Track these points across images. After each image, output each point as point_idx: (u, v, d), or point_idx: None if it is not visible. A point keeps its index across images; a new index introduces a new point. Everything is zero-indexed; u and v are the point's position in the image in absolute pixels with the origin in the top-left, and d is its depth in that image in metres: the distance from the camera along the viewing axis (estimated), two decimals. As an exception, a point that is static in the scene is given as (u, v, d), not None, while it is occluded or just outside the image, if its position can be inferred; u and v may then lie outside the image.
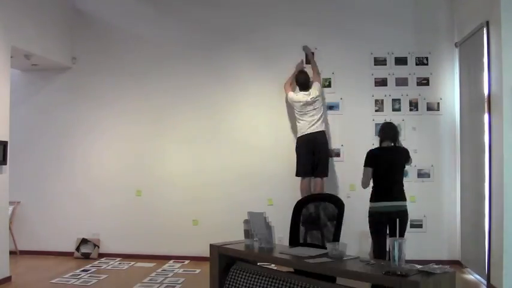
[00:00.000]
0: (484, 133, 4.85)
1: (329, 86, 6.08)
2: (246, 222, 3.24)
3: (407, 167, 4.66)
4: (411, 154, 4.57)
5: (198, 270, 5.59)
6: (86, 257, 6.23)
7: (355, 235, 5.27)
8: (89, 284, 5.00)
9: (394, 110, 5.97)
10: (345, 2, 6.13)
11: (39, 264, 5.94)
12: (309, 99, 5.67)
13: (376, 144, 4.62)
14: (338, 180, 5.95)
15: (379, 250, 4.22)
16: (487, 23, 4.79)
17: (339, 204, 3.27)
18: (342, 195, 3.50)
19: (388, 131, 4.44)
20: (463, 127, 5.73)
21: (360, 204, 5.80)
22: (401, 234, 4.14)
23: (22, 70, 6.56)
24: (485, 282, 4.76)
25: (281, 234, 5.19)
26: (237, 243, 3.26)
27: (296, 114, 5.78)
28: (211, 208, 6.14)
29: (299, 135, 5.73)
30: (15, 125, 5.56)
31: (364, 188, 4.38)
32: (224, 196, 6.12)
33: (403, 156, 4.41)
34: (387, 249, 3.86)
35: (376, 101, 6.01)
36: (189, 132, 6.28)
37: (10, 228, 5.97)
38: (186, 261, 6.02)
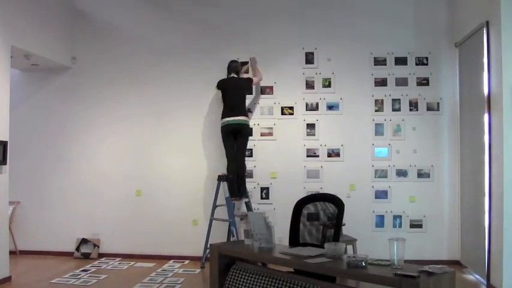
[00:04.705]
0: (484, 133, 4.85)
1: (329, 86, 6.08)
2: (246, 222, 3.24)
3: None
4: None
5: (198, 270, 5.59)
6: (86, 257, 6.23)
7: (355, 234, 5.26)
8: (88, 284, 5.00)
9: (394, 110, 5.98)
10: (345, 2, 6.13)
11: (39, 264, 5.95)
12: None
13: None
14: (338, 180, 5.95)
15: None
16: (487, 23, 4.79)
17: (338, 204, 3.27)
18: (342, 195, 3.50)
19: (231, 67, 5.85)
20: (463, 127, 5.73)
21: (360, 204, 5.86)
22: (242, 144, 5.74)
23: (22, 70, 6.56)
24: (485, 282, 4.76)
25: (281, 234, 5.22)
26: (237, 243, 3.26)
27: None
28: (211, 208, 6.13)
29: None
30: (15, 125, 5.57)
31: None
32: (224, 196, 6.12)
33: (242, 82, 5.82)
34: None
35: (376, 101, 6.01)
36: (189, 132, 6.28)
37: (10, 228, 5.97)
38: (186, 261, 6.02)
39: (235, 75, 5.85)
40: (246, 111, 5.77)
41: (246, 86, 5.84)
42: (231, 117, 5.65)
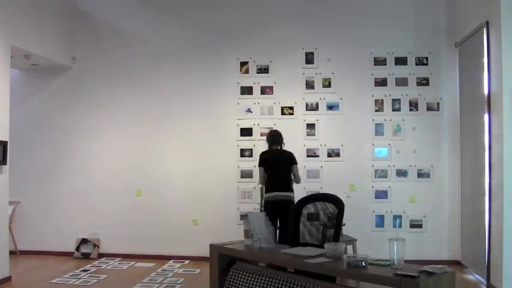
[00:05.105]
0: (484, 133, 4.85)
1: (329, 86, 6.08)
2: (245, 222, 3.23)
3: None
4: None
5: (198, 270, 5.59)
6: (86, 257, 6.23)
7: (355, 234, 5.26)
8: (89, 284, 5.00)
9: (394, 110, 5.98)
10: (345, 2, 6.13)
11: (39, 264, 5.95)
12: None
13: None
14: (338, 180, 5.95)
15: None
16: (487, 23, 4.79)
17: (338, 204, 3.27)
18: (341, 195, 3.50)
19: (275, 138, 5.26)
20: (463, 127, 5.73)
21: (360, 204, 5.86)
22: (284, 219, 4.90)
23: (22, 70, 6.56)
24: (485, 282, 4.76)
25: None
26: (237, 243, 3.25)
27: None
28: (211, 208, 6.14)
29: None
30: (15, 125, 5.57)
31: (261, 183, 5.25)
32: (224, 196, 6.12)
33: (287, 157, 5.17)
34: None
35: (376, 101, 6.01)
36: (189, 132, 6.28)
37: (10, 228, 5.97)
38: (186, 261, 6.02)
39: (278, 147, 5.25)
40: (292, 187, 5.14)
41: (291, 162, 5.16)
42: (279, 192, 5.03)
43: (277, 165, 5.13)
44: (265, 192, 5.14)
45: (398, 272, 2.28)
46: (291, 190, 5.12)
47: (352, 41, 6.06)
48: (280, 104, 6.16)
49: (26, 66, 6.29)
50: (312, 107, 6.10)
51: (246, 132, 6.19)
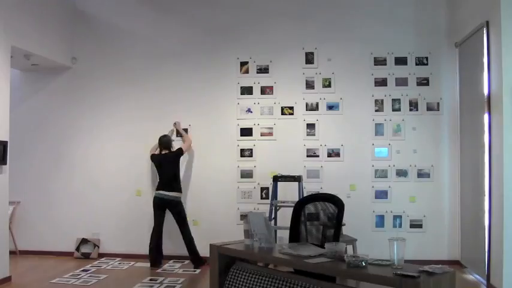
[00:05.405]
0: (484, 133, 4.85)
1: (329, 86, 6.08)
2: (245, 222, 3.23)
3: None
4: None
5: (198, 270, 5.59)
6: (86, 257, 6.23)
7: (355, 234, 5.26)
8: (89, 284, 5.00)
9: (394, 110, 5.98)
10: (345, 2, 6.13)
11: (39, 264, 5.95)
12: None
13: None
14: (338, 180, 5.95)
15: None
16: (487, 23, 4.79)
17: (339, 204, 3.27)
18: (341, 195, 3.50)
19: (165, 142, 5.92)
20: (463, 127, 5.73)
21: (360, 204, 5.86)
22: (180, 217, 5.83)
23: (22, 70, 6.56)
24: (485, 282, 4.76)
25: (281, 235, 5.22)
26: (237, 243, 3.25)
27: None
28: (211, 208, 6.14)
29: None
30: (15, 125, 5.57)
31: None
32: (224, 196, 6.12)
33: (173, 157, 5.86)
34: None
35: (376, 101, 6.01)
36: (189, 132, 6.28)
37: (10, 228, 5.97)
38: (186, 261, 6.02)
39: (167, 151, 5.90)
40: (179, 187, 5.86)
41: (178, 158, 5.89)
42: (164, 191, 5.74)
43: (164, 166, 5.81)
44: (156, 189, 5.85)
45: (398, 272, 2.28)
46: (178, 190, 5.83)
47: (352, 41, 6.06)
48: (280, 104, 6.16)
49: (26, 66, 6.29)
50: (312, 107, 6.10)
51: (246, 132, 6.19)
